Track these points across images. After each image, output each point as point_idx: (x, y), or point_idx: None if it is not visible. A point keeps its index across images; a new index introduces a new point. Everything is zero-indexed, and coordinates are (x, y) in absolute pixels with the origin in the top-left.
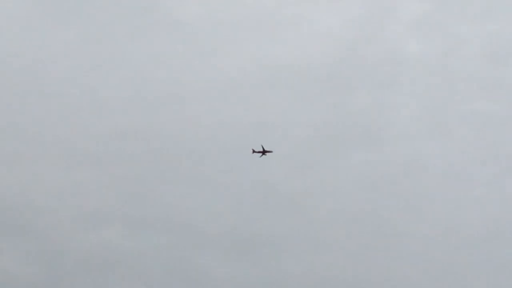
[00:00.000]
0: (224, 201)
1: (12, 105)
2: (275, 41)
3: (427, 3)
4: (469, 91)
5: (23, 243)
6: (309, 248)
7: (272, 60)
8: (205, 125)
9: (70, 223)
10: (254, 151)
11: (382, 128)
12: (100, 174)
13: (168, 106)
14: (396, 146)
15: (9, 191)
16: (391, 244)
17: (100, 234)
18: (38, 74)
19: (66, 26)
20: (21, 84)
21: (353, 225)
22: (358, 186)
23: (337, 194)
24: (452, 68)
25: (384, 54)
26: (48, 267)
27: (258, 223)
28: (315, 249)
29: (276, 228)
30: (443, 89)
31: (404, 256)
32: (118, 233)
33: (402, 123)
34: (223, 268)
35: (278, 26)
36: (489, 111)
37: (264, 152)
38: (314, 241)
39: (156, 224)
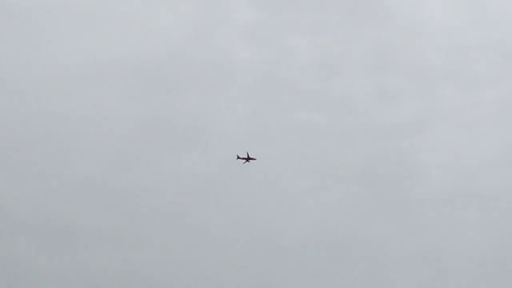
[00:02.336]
0: (46, 193)
1: None
2: (106, 36)
3: (261, 12)
4: (295, 101)
5: None
6: (126, 244)
7: (100, 55)
8: (26, 116)
9: None
10: (238, 157)
11: (206, 130)
12: None
13: None
14: (219, 149)
15: None
16: (209, 247)
17: None
18: None
19: None
20: None
21: (171, 223)
22: (180, 185)
23: (159, 192)
24: (279, 77)
25: (214, 58)
26: None
27: (76, 216)
28: (132, 245)
29: (95, 222)
30: (269, 97)
31: (219, 259)
32: None
33: (226, 127)
34: (39, 258)
35: (109, 21)
36: (312, 122)
37: (248, 159)
38: (132, 237)
39: None
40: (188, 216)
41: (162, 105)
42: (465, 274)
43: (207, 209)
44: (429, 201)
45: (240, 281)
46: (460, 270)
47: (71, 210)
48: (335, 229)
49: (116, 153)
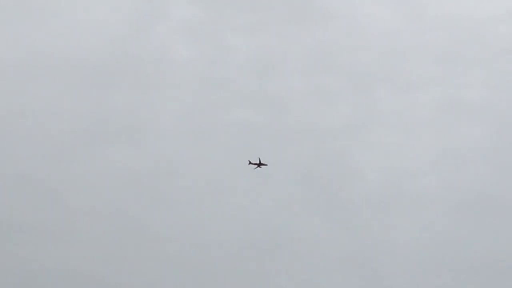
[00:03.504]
0: None
1: None
2: (43, 30)
3: (199, 9)
4: (232, 100)
5: None
6: (62, 240)
7: (37, 50)
8: None
9: None
10: (250, 163)
11: (143, 127)
12: None
13: None
14: (155, 146)
15: None
16: (145, 243)
17: None
18: None
19: None
20: None
21: (107, 219)
22: (116, 181)
23: (95, 188)
24: (217, 75)
25: (152, 55)
26: None
27: (11, 212)
28: (68, 241)
29: (30, 218)
30: (206, 95)
31: (155, 255)
32: None
33: (163, 124)
34: None
35: (46, 16)
36: (249, 121)
37: (260, 164)
38: (68, 234)
39: None
40: (124, 212)
41: (98, 101)
42: (398, 275)
43: (142, 206)
44: (364, 203)
45: (176, 278)
46: (394, 271)
47: (5, 205)
48: (270, 229)
49: (52, 149)
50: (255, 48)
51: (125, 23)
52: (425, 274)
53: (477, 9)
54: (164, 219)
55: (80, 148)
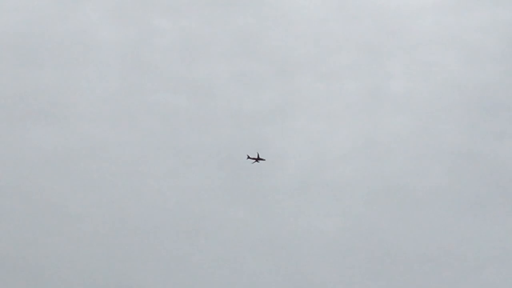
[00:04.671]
0: None
1: None
2: None
3: None
4: (156, 82)
5: None
6: None
7: None
8: None
9: None
10: (248, 157)
11: (66, 107)
12: None
13: None
14: (78, 126)
15: None
16: (64, 223)
17: None
18: None
19: None
20: None
21: (26, 198)
22: (33, 161)
23: (15, 167)
24: (142, 57)
25: (77, 35)
26: None
27: None
28: None
29: None
30: (131, 77)
31: (74, 236)
32: None
33: (86, 106)
34: None
35: None
36: (173, 104)
37: (258, 159)
38: None
39: None
40: (43, 192)
41: (22, 80)
42: (315, 261)
43: (61, 186)
44: (284, 189)
45: (93, 259)
46: (310, 257)
47: None
48: (191, 213)
49: None
50: (180, 31)
51: (51, 1)
52: (341, 261)
53: (403, 0)
54: (83, 200)
55: (1, 126)
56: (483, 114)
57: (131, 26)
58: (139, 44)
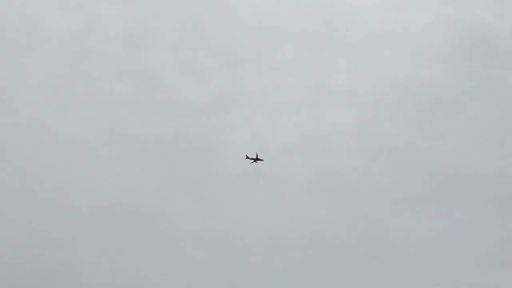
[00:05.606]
0: None
1: None
2: None
3: None
4: (100, 70)
5: None
6: None
7: None
8: None
9: None
10: (247, 157)
11: (9, 93)
12: None
13: None
14: (21, 113)
15: None
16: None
17: None
18: None
19: None
20: None
21: None
22: None
23: None
24: (89, 44)
25: (22, 21)
26: None
27: None
28: None
29: None
30: (77, 64)
31: (11, 224)
32: None
33: (30, 92)
34: None
35: None
36: (117, 92)
37: (256, 159)
38: None
39: None
40: None
41: None
42: (254, 250)
43: (2, 170)
44: (226, 179)
45: (34, 246)
46: (249, 247)
47: None
48: (132, 200)
49: None
50: (127, 19)
51: None
52: (281, 252)
53: None
54: (23, 184)
55: None
56: (424, 111)
57: (77, 13)
58: (85, 31)
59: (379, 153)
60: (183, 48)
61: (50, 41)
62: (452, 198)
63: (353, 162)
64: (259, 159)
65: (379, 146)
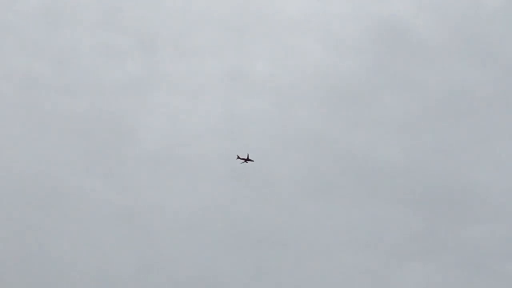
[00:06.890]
0: None
1: None
2: None
3: None
4: (16, 48)
5: None
6: None
7: None
8: None
9: None
10: (238, 157)
11: None
12: None
13: None
14: None
15: None
16: None
17: None
18: None
19: None
20: None
21: None
22: None
23: None
24: (4, 22)
25: None
26: None
27: None
28: None
29: None
30: None
31: None
32: None
33: None
34: None
35: None
36: (34, 71)
37: (247, 160)
38: None
39: None
40: None
41: None
42: (166, 234)
43: None
44: (141, 162)
45: None
46: (162, 230)
47: None
48: (45, 181)
49: None
50: None
51: None
52: (194, 237)
53: None
54: None
55: None
56: (340, 102)
57: None
58: (0, 7)
59: (294, 142)
60: (101, 29)
61: None
62: (364, 189)
63: (267, 150)
64: (250, 160)
65: (294, 134)
